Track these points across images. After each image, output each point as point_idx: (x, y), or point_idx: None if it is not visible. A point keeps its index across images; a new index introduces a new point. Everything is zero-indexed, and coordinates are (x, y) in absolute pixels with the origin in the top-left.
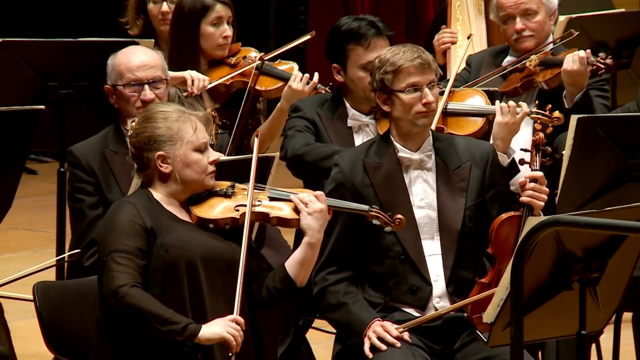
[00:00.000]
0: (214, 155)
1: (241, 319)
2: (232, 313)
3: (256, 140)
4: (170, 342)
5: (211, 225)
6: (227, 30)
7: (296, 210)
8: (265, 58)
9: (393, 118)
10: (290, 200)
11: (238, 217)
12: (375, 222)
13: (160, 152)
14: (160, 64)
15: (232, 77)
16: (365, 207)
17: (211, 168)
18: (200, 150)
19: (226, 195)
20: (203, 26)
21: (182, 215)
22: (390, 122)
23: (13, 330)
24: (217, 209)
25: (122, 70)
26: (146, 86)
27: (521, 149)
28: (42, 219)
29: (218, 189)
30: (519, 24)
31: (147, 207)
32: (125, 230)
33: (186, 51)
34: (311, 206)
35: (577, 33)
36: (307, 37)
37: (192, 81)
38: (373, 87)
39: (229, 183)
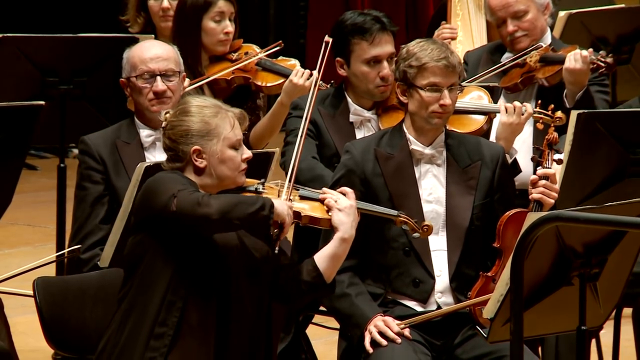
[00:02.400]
0: (247, 153)
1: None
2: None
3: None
4: (255, 221)
5: None
6: (229, 26)
7: (326, 210)
8: (264, 54)
9: (408, 110)
10: (320, 200)
11: None
12: (404, 227)
13: (197, 147)
14: (174, 57)
15: (231, 72)
16: (394, 212)
17: (243, 165)
18: (235, 147)
19: (257, 191)
20: (205, 21)
21: None
22: (405, 114)
23: (13, 325)
24: None
25: (136, 62)
26: (158, 77)
27: (534, 147)
28: (42, 214)
29: (248, 186)
30: (510, 26)
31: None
32: (178, 179)
33: (188, 46)
34: (341, 202)
35: (544, 47)
36: (277, 47)
37: None
38: (395, 76)
39: (257, 181)
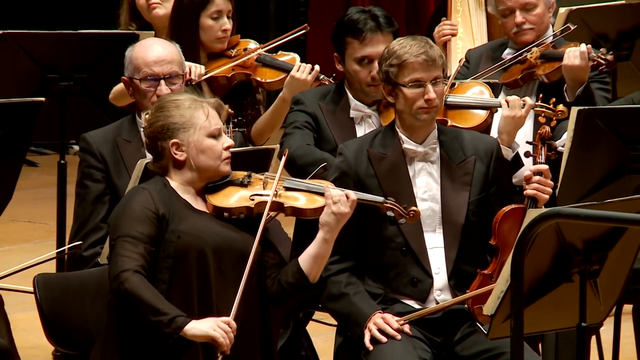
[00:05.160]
0: (228, 141)
1: (234, 323)
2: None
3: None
4: (158, 333)
5: (226, 214)
6: (227, 23)
7: (311, 200)
8: (264, 49)
9: (397, 110)
10: (305, 191)
11: (253, 206)
12: (389, 213)
13: (175, 140)
14: (177, 58)
15: (231, 68)
16: (380, 198)
17: (226, 154)
18: (214, 136)
19: (242, 184)
20: (202, 19)
21: (198, 205)
22: (395, 114)
23: (13, 322)
24: (232, 198)
25: (139, 65)
26: (162, 81)
27: (527, 142)
28: (43, 211)
29: (235, 179)
30: (518, 17)
31: (163, 194)
32: (136, 215)
33: (186, 43)
34: (339, 207)
35: (575, 27)
36: (303, 31)
37: (190, 70)
38: (380, 77)
39: (245, 173)
